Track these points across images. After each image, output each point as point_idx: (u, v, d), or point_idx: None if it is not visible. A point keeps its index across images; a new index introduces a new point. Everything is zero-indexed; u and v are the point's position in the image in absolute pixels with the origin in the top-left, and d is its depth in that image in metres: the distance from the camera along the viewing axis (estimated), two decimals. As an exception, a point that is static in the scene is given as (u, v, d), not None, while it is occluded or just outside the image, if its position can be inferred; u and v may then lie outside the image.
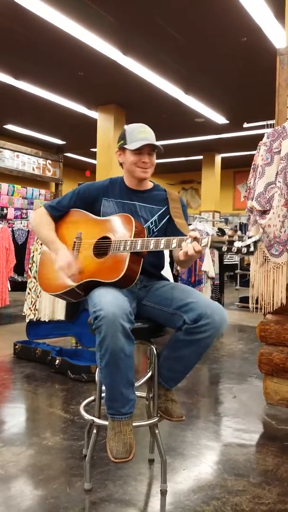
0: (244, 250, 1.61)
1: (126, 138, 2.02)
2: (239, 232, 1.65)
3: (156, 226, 2.08)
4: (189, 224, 2.27)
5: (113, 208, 2.06)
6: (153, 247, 1.81)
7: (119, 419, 1.77)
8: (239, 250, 1.62)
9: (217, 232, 6.36)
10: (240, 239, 1.62)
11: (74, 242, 2.04)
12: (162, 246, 1.80)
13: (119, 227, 1.94)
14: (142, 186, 2.12)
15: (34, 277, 4.25)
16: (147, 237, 1.94)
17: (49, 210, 2.12)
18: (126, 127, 2.07)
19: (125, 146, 2.02)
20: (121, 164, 2.12)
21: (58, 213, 2.12)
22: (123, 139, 2.04)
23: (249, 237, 1.61)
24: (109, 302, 1.68)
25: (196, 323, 1.75)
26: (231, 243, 1.63)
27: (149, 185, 2.16)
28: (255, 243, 1.59)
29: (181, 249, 1.77)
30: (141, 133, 2.01)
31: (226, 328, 1.81)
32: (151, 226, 2.06)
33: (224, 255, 9.91)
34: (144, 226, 2.00)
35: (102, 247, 1.95)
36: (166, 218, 2.10)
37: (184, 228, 2.03)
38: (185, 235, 1.87)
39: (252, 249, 1.60)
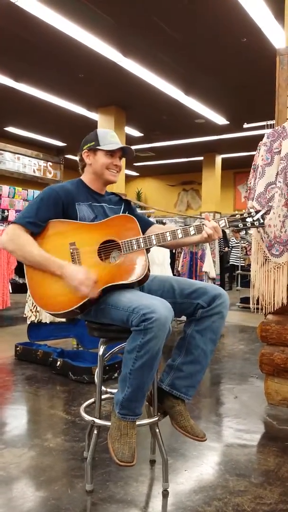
0: (256, 223, 1.89)
1: (99, 140, 2.05)
2: (246, 210, 1.90)
3: None
4: (188, 225, 2.29)
5: (89, 212, 2.01)
6: (170, 238, 1.90)
7: (130, 419, 1.77)
8: (252, 224, 1.88)
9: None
10: (249, 215, 1.88)
11: (72, 252, 1.89)
12: (180, 235, 1.91)
13: (122, 228, 1.93)
14: (103, 190, 2.17)
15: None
16: None
17: (28, 227, 1.88)
18: (97, 130, 2.11)
19: (99, 147, 2.03)
20: (83, 167, 2.13)
21: (38, 229, 1.91)
22: (94, 141, 2.06)
23: (256, 212, 1.89)
24: (159, 305, 1.69)
25: (210, 304, 1.88)
26: (244, 220, 1.88)
27: (105, 189, 2.21)
28: (262, 215, 1.88)
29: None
30: (113, 137, 2.07)
31: (223, 337, 1.92)
32: None
33: (230, 249, 9.97)
34: None
35: (109, 251, 1.92)
36: (127, 213, 2.19)
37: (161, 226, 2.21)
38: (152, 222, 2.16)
39: (262, 221, 1.88)
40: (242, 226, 1.89)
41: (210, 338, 1.91)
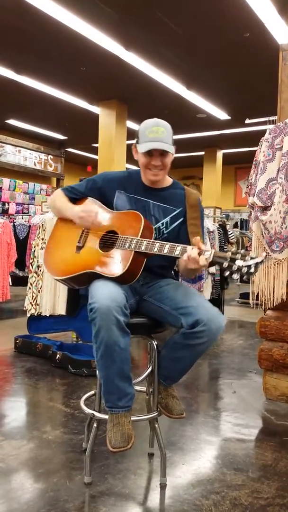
0: (245, 270, 1.57)
1: (139, 136, 1.95)
2: (242, 251, 1.61)
3: (167, 227, 2.02)
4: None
5: (126, 203, 2.02)
6: (157, 250, 1.80)
7: (116, 412, 1.78)
8: (239, 269, 1.58)
9: (217, 228, 6.35)
10: (243, 257, 1.59)
11: (82, 231, 2.01)
12: (166, 251, 1.78)
13: (127, 224, 1.92)
14: (159, 183, 2.05)
15: (35, 272, 4.25)
16: (154, 237, 1.94)
17: (64, 192, 2.11)
18: (143, 123, 1.97)
19: (137, 145, 1.96)
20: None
21: (72, 196, 2.10)
22: (137, 136, 1.97)
23: (251, 258, 1.59)
24: (104, 294, 1.69)
25: (192, 328, 1.75)
26: (233, 260, 1.60)
27: (167, 182, 2.09)
28: (256, 265, 1.57)
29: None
30: (152, 133, 1.89)
31: (223, 331, 1.83)
32: (161, 227, 2.01)
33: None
34: (154, 226, 1.98)
35: (108, 241, 1.94)
36: (179, 221, 2.03)
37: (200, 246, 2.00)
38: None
39: (252, 270, 1.57)
40: (226, 266, 1.60)
41: (190, 354, 1.85)
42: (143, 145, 1.90)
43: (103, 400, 1.82)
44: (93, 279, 1.89)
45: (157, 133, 1.90)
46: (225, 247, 6.12)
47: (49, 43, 6.27)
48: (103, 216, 2.00)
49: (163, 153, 1.94)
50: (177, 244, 1.77)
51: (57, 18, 5.47)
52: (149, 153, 1.93)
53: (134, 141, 2.01)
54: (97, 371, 1.95)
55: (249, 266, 1.57)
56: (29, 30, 5.91)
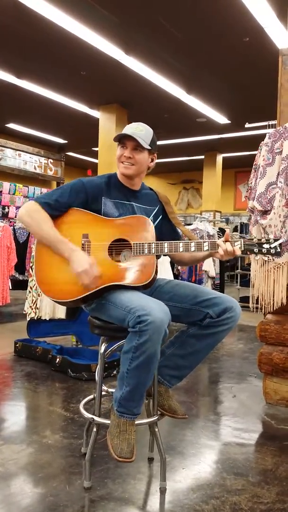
0: (273, 251, 1.82)
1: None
2: (266, 235, 1.81)
3: None
4: (189, 224, 2.36)
5: (113, 209, 1.99)
6: (183, 250, 1.86)
7: (128, 418, 1.78)
8: (268, 251, 1.82)
9: (218, 232, 6.37)
10: (267, 241, 1.82)
11: (83, 244, 1.89)
12: (193, 249, 1.87)
13: (136, 229, 1.90)
14: (137, 185, 2.08)
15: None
16: None
17: (45, 208, 1.89)
18: None
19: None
20: None
21: (56, 213, 1.91)
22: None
23: (274, 240, 1.82)
24: (156, 308, 1.68)
25: (220, 316, 1.85)
26: (260, 245, 1.82)
27: (139, 183, 2.11)
28: (280, 245, 1.81)
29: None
30: (129, 128, 1.97)
31: None
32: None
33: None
34: None
35: (118, 250, 1.92)
36: (159, 218, 2.12)
37: (193, 237, 2.10)
38: (193, 239, 1.97)
39: (278, 249, 1.81)
40: (257, 251, 1.83)
41: (209, 343, 1.92)
42: (118, 135, 1.97)
43: (116, 405, 1.80)
44: (107, 292, 1.87)
45: (133, 128, 1.97)
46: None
47: (50, 47, 6.30)
48: (102, 224, 1.94)
49: (136, 148, 1.97)
50: (202, 240, 1.86)
51: (57, 22, 5.50)
52: (123, 146, 1.98)
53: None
54: (99, 377, 1.95)
55: (275, 247, 1.81)
56: (29, 35, 5.94)
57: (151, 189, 2.19)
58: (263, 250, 1.82)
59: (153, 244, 1.85)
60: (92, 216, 1.96)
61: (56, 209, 1.91)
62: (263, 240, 1.82)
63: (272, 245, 1.81)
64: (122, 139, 1.98)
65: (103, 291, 1.87)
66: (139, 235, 1.89)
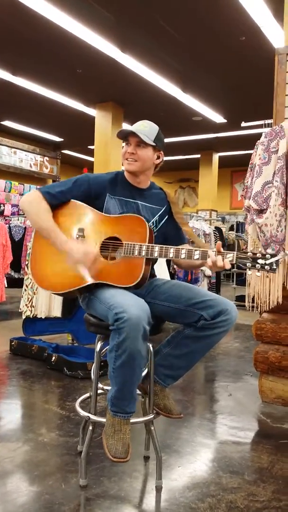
0: (268, 267, 1.70)
1: None
2: (261, 249, 1.71)
3: (156, 226, 2.06)
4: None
5: (116, 206, 2.00)
6: (172, 256, 1.81)
7: (122, 417, 1.78)
8: (262, 267, 1.71)
9: (214, 231, 6.37)
10: (263, 257, 1.71)
11: (77, 237, 1.93)
12: (183, 256, 1.81)
13: (130, 229, 1.90)
14: (144, 183, 2.08)
15: (31, 276, 4.25)
16: None
17: (46, 197, 1.93)
18: None
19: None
20: None
21: (56, 202, 1.96)
22: None
23: (271, 255, 1.71)
24: (133, 305, 1.67)
25: (214, 319, 1.81)
26: (255, 260, 1.71)
27: (148, 183, 2.12)
28: (277, 262, 1.70)
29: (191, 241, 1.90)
30: (133, 126, 1.98)
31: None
32: (152, 226, 2.03)
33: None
34: None
35: (109, 247, 1.92)
36: (165, 219, 2.10)
37: (194, 237, 2.07)
38: (192, 242, 1.98)
39: (274, 267, 1.70)
40: (250, 266, 1.72)
41: (204, 345, 1.90)
42: (120, 132, 1.97)
43: (109, 404, 1.80)
44: (96, 287, 1.88)
45: (137, 125, 1.98)
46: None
47: (46, 45, 6.28)
48: (99, 220, 1.96)
49: (139, 145, 1.97)
50: (194, 248, 1.81)
51: (53, 20, 5.48)
52: (127, 143, 1.99)
53: None
54: (95, 375, 1.95)
55: (271, 264, 1.70)
56: (25, 32, 5.92)
57: (161, 189, 2.18)
58: (257, 265, 1.71)
59: (144, 246, 1.83)
60: (91, 211, 1.98)
61: (56, 198, 1.95)
62: (258, 255, 1.72)
63: (268, 261, 1.70)
64: (126, 137, 1.98)
65: (91, 287, 1.89)
66: (132, 235, 1.88)
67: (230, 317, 1.81)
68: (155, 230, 2.04)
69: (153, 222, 2.06)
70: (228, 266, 1.74)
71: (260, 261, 1.70)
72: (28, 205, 1.94)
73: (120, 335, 1.64)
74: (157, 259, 2.12)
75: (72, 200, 1.99)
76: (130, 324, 1.62)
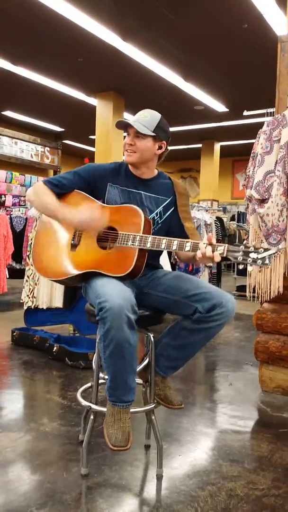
0: (260, 262, 1.64)
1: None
2: (254, 242, 1.64)
3: (160, 217, 2.04)
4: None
5: (118, 196, 2.00)
6: (164, 247, 1.79)
7: (120, 406, 1.78)
8: (254, 261, 1.65)
9: (215, 221, 6.35)
10: (256, 250, 1.65)
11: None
12: (174, 247, 1.79)
13: (126, 219, 1.89)
14: (147, 173, 2.05)
15: (32, 265, 4.25)
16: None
17: (48, 186, 1.99)
18: None
19: None
20: None
21: (58, 190, 2.00)
22: None
23: (264, 249, 1.64)
24: (115, 294, 1.66)
25: (209, 312, 1.78)
26: (246, 253, 1.65)
27: (154, 172, 2.09)
28: (270, 256, 1.64)
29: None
30: (136, 115, 1.97)
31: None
32: (156, 217, 2.02)
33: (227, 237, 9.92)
34: (149, 217, 1.98)
35: (105, 238, 1.92)
36: (171, 210, 2.06)
37: (195, 235, 2.03)
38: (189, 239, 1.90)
39: (267, 261, 1.64)
40: (241, 259, 1.66)
41: (202, 338, 1.88)
42: (118, 123, 1.96)
43: (107, 394, 1.81)
44: (92, 277, 1.88)
45: (139, 115, 1.97)
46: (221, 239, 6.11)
47: (46, 34, 6.22)
48: (97, 211, 1.96)
49: (137, 136, 1.95)
50: (186, 240, 1.78)
51: (54, 8, 5.42)
52: (127, 134, 1.97)
53: None
54: (96, 365, 1.95)
55: (263, 258, 1.63)
56: (26, 21, 5.86)
57: (170, 178, 2.14)
58: (248, 259, 1.65)
59: (137, 237, 1.82)
60: (91, 201, 1.99)
61: (58, 187, 2.00)
62: (251, 249, 1.65)
63: (260, 256, 1.63)
64: (126, 127, 1.97)
65: (88, 274, 1.89)
66: (128, 225, 1.88)
67: (226, 310, 1.78)
68: (159, 221, 2.02)
69: (157, 213, 2.03)
70: (217, 259, 1.68)
71: (252, 255, 1.64)
72: (33, 194, 2.01)
73: (105, 325, 1.65)
74: (162, 251, 2.10)
75: (75, 190, 2.01)
76: (112, 314, 1.62)
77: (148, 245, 1.80)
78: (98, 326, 1.71)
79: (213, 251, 1.69)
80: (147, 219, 1.89)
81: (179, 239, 1.79)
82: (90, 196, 2.00)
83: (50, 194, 1.98)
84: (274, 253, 1.66)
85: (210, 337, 1.89)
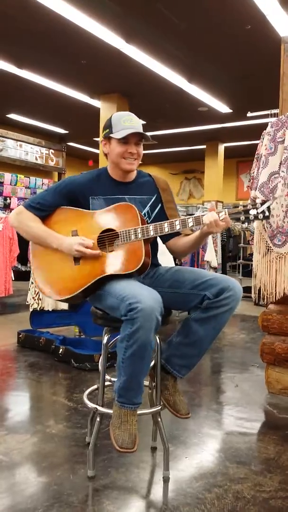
0: (261, 216, 1.71)
1: (112, 126, 1.94)
2: (252, 200, 1.70)
3: (149, 217, 2.04)
4: (190, 214, 2.31)
5: (103, 206, 1.98)
6: (168, 230, 1.82)
7: (129, 408, 1.78)
8: (256, 217, 1.71)
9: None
10: (254, 206, 1.71)
11: None
12: (178, 227, 1.82)
13: (121, 217, 1.90)
14: (128, 177, 2.05)
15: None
16: None
17: (28, 209, 1.99)
18: (113, 115, 1.99)
19: (111, 135, 1.94)
20: (105, 155, 2.04)
21: (42, 214, 2.00)
22: (108, 127, 1.96)
23: (261, 203, 1.71)
24: (146, 295, 1.67)
25: (218, 297, 1.80)
26: (247, 212, 1.72)
27: (134, 174, 2.08)
28: (268, 208, 1.70)
29: (184, 235, 1.93)
30: (126, 122, 1.92)
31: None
32: (145, 218, 2.00)
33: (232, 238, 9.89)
34: None
35: (106, 241, 1.92)
36: (158, 207, 2.07)
37: (185, 230, 2.02)
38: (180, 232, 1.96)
39: (267, 213, 1.70)
40: (244, 218, 1.73)
41: (213, 327, 1.87)
42: (121, 132, 1.91)
43: (116, 395, 1.80)
44: (104, 283, 1.88)
45: (131, 122, 1.94)
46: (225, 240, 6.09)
47: (50, 36, 6.24)
48: (90, 218, 1.97)
49: (137, 142, 1.96)
50: (187, 217, 1.82)
51: (58, 11, 5.44)
52: (126, 142, 1.93)
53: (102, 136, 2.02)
54: (102, 367, 1.96)
55: (263, 212, 1.70)
56: (30, 24, 5.88)
57: (149, 175, 2.13)
58: (250, 216, 1.71)
59: (138, 229, 1.84)
60: (80, 212, 1.99)
61: (40, 210, 2.00)
62: (249, 207, 1.72)
63: (260, 210, 1.69)
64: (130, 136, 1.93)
65: (99, 283, 1.89)
66: (125, 222, 1.88)
67: (234, 293, 1.79)
68: (149, 221, 2.01)
69: (145, 213, 2.02)
70: (228, 219, 1.75)
71: (252, 211, 1.71)
72: (15, 221, 2.01)
73: (133, 325, 1.64)
74: (157, 249, 2.13)
75: (61, 207, 2.01)
76: (144, 315, 1.62)
77: (152, 233, 1.83)
78: (123, 326, 1.71)
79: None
80: (139, 211, 1.91)
81: (181, 219, 1.83)
82: (75, 208, 2.00)
83: (34, 220, 1.99)
84: (271, 204, 1.71)
85: (221, 324, 1.87)
